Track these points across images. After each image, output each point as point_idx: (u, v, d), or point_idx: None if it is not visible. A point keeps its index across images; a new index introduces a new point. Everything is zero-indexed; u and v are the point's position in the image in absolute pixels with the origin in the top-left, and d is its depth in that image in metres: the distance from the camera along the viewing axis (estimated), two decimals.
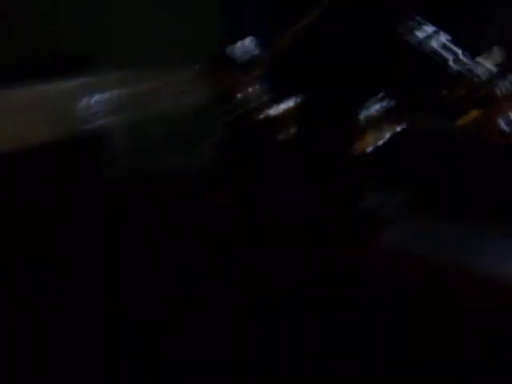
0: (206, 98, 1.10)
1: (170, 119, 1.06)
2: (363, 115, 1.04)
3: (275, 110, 0.99)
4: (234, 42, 1.15)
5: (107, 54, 1.25)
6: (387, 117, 1.05)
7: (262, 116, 1.00)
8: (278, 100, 1.02)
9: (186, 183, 1.00)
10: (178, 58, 1.25)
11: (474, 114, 1.05)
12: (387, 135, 1.03)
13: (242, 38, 1.14)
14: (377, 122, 1.05)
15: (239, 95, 1.03)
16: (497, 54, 1.08)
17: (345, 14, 1.12)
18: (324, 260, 0.94)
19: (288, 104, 1.00)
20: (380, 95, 1.07)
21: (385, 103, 1.07)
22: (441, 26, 1.09)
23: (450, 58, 1.06)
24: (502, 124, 1.04)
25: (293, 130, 1.02)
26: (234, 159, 1.01)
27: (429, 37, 1.06)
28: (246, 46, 1.03)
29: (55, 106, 1.01)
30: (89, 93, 1.02)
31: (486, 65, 1.07)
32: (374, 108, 1.05)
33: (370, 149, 1.01)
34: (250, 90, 1.01)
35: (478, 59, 1.07)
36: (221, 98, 1.08)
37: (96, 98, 1.02)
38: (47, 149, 1.03)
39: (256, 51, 1.03)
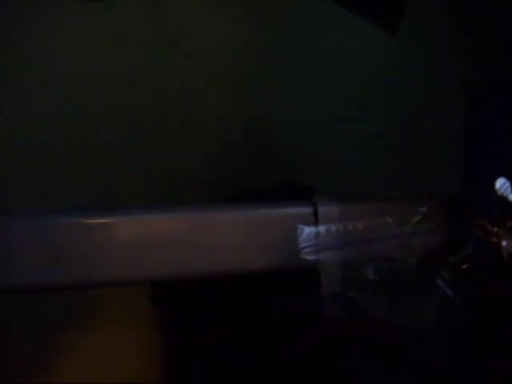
0: (436, 242, 0.98)
1: (391, 262, 0.95)
2: None
3: None
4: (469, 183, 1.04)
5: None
6: None
7: None
8: None
9: (406, 345, 0.86)
10: (406, 193, 1.17)
11: None
12: None
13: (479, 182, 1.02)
14: None
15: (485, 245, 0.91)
16: None
17: None
18: None
19: None
20: None
21: None
22: None
23: None
24: None
25: None
26: (476, 324, 0.86)
27: None
28: (501, 188, 0.91)
29: (274, 231, 0.94)
30: (310, 223, 0.94)
31: None
32: None
33: None
34: (504, 243, 0.88)
35: None
36: (454, 245, 0.96)
37: (318, 229, 0.93)
38: (257, 276, 0.95)
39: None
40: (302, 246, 0.92)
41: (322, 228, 0.92)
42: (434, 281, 0.93)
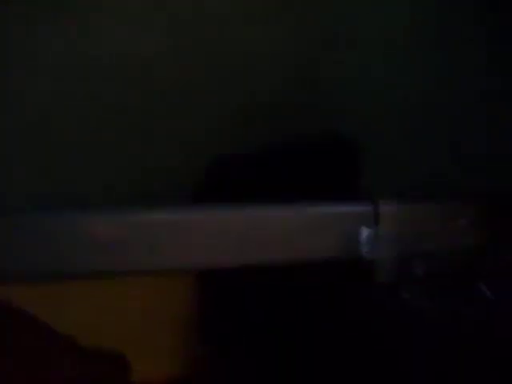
0: (484, 243, 1.00)
1: (442, 257, 0.97)
2: None
3: None
4: None
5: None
6: None
7: None
8: None
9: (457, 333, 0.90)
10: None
11: None
12: None
13: None
14: None
15: None
16: None
17: None
18: None
19: None
20: None
21: None
22: None
23: None
24: None
25: None
26: None
27: None
28: None
29: (334, 228, 0.94)
30: (368, 221, 0.95)
31: None
32: None
33: None
34: None
35: None
36: (501, 247, 0.98)
37: (377, 230, 0.95)
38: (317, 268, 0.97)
39: None
40: (362, 247, 0.93)
41: (381, 229, 0.93)
42: (479, 282, 0.96)
